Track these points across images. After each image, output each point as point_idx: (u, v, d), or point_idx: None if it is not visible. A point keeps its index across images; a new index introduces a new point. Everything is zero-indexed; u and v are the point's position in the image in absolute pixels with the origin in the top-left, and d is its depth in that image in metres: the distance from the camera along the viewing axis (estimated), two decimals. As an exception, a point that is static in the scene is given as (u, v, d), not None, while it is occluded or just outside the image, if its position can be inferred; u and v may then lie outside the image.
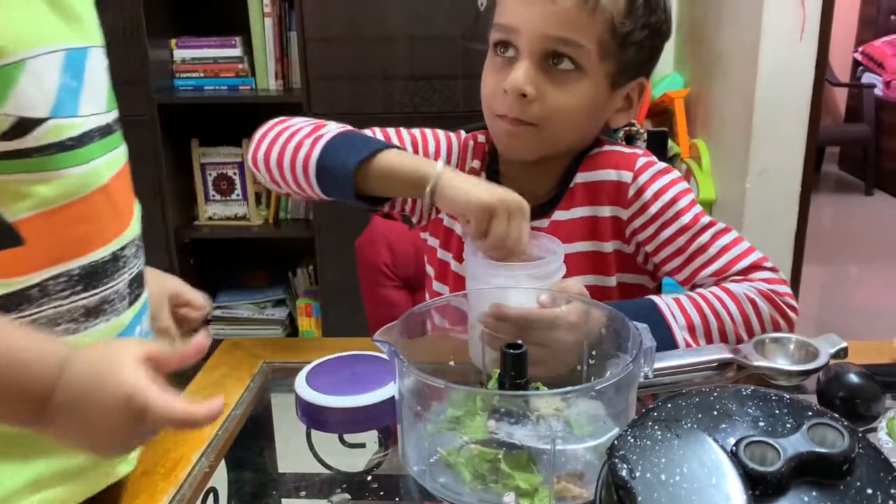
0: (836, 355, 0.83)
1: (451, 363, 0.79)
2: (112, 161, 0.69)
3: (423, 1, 2.15)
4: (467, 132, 1.06)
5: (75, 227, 0.64)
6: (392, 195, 0.92)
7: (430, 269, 1.09)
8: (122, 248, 0.69)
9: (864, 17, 5.27)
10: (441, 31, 2.16)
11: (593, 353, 0.76)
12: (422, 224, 1.09)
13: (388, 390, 0.76)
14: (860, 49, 5.14)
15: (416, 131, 1.04)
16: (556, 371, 0.76)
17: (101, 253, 0.66)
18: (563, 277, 0.83)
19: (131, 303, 0.72)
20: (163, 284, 0.88)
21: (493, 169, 1.02)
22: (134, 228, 0.73)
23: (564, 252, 0.84)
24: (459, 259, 1.01)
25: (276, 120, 0.97)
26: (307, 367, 0.81)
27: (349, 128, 0.95)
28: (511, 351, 0.69)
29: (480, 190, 0.82)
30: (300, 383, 0.79)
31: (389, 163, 0.87)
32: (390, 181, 0.87)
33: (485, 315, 0.77)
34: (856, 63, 5.19)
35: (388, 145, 0.89)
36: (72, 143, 0.62)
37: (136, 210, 0.75)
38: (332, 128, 0.93)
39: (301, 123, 0.95)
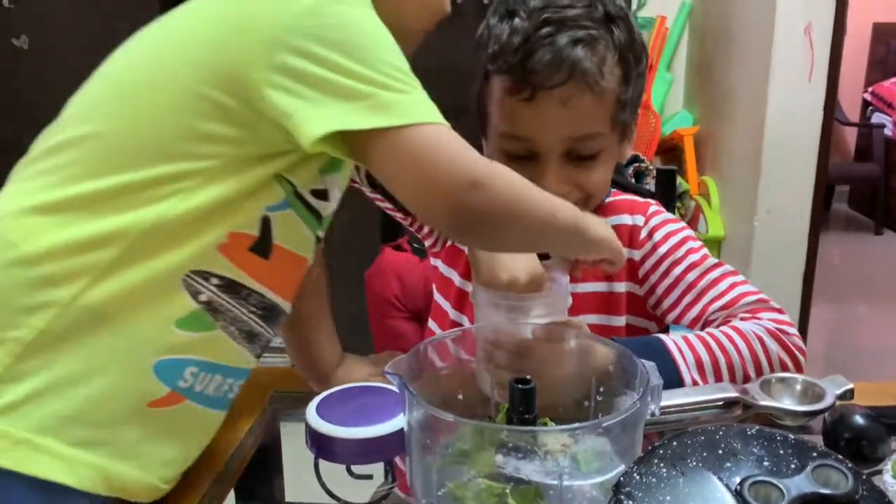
0: (842, 396, 0.83)
1: (460, 396, 0.80)
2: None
3: (436, 34, 2.19)
4: None
5: (292, 272, 0.77)
6: None
7: (441, 300, 1.10)
8: (284, 311, 0.79)
9: (874, 58, 5.31)
10: (453, 63, 2.19)
11: (601, 389, 0.77)
12: (434, 250, 1.10)
13: (398, 422, 0.76)
14: (870, 89, 5.17)
15: None
16: (550, 403, 0.76)
17: (281, 301, 0.77)
18: (574, 315, 0.84)
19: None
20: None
21: None
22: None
23: (579, 291, 0.85)
24: None
25: None
26: (318, 397, 0.82)
27: None
28: (519, 386, 0.69)
29: (505, 269, 0.83)
30: (311, 413, 0.80)
31: None
32: None
33: (484, 341, 0.80)
34: (865, 103, 5.22)
35: None
36: (324, 217, 0.78)
37: None
38: None
39: None
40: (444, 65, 2.21)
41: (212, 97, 0.66)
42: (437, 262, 1.11)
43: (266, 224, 0.71)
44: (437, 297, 1.11)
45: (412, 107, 0.64)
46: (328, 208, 0.78)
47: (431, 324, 1.13)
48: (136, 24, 2.39)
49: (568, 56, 0.86)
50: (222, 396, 0.76)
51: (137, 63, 0.72)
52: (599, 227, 0.78)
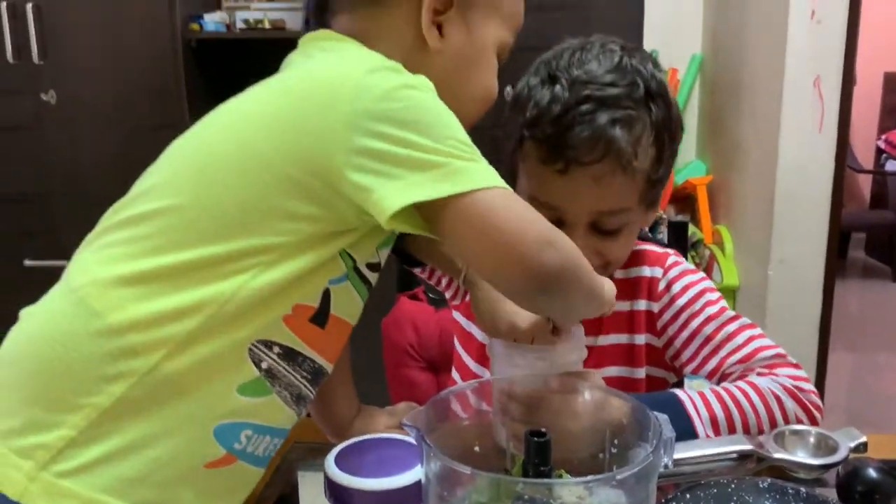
0: (856, 449, 0.83)
1: (477, 448, 0.81)
2: None
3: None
4: None
5: (341, 338, 0.81)
6: (432, 265, 0.96)
7: (462, 352, 1.12)
8: (328, 373, 0.81)
9: (886, 107, 5.35)
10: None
11: (615, 441, 0.78)
12: (454, 302, 1.12)
13: (415, 474, 0.77)
14: (883, 137, 5.19)
15: None
16: (565, 455, 0.77)
17: (327, 365, 0.80)
18: (593, 368, 0.85)
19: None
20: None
21: None
22: None
23: (599, 343, 0.86)
24: None
25: None
26: (336, 448, 0.83)
27: None
28: (535, 438, 0.71)
29: (503, 318, 0.85)
30: (329, 464, 0.81)
31: None
32: (435, 252, 0.91)
33: (500, 393, 0.81)
34: (879, 150, 5.23)
35: None
36: (373, 286, 0.81)
37: None
38: None
39: None
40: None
41: (296, 177, 0.69)
42: (459, 316, 1.13)
43: (326, 296, 0.75)
44: (459, 348, 1.13)
45: (479, 173, 0.68)
46: (376, 278, 0.82)
47: (455, 374, 1.14)
48: (161, 82, 2.46)
49: (605, 135, 0.87)
50: (267, 456, 0.79)
51: (221, 140, 0.74)
52: (607, 285, 0.80)
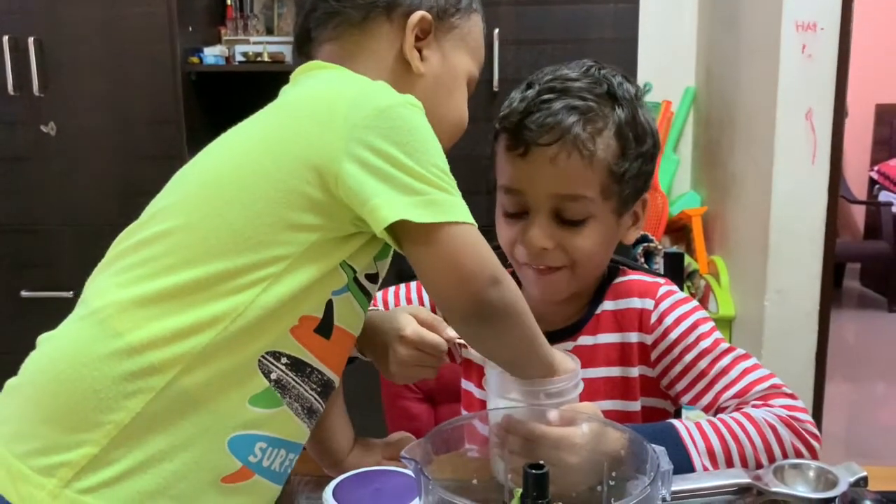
0: (856, 484, 0.83)
1: (475, 481, 0.81)
2: None
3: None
4: None
5: (345, 349, 0.83)
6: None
7: (464, 412, 1.13)
8: (335, 387, 0.83)
9: (878, 138, 5.40)
10: (465, 151, 2.25)
11: (613, 474, 0.77)
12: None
13: (413, 507, 0.77)
14: (875, 168, 5.24)
15: None
16: (563, 491, 0.77)
17: (335, 377, 0.81)
18: (587, 401, 0.85)
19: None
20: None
21: None
22: None
23: (591, 376, 0.87)
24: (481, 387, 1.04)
25: None
26: (334, 482, 0.83)
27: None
28: (533, 471, 0.70)
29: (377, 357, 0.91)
30: (327, 497, 0.81)
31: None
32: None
33: (497, 426, 0.81)
34: (872, 181, 5.27)
35: None
36: (371, 297, 0.83)
37: None
38: None
39: None
40: (462, 153, 2.27)
41: (301, 189, 0.73)
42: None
43: (329, 307, 0.78)
44: (463, 412, 1.14)
45: (455, 207, 0.73)
46: (375, 289, 0.84)
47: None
48: (160, 114, 2.49)
49: (560, 120, 0.93)
50: (284, 471, 0.80)
51: (225, 161, 0.78)
52: (562, 359, 0.85)
